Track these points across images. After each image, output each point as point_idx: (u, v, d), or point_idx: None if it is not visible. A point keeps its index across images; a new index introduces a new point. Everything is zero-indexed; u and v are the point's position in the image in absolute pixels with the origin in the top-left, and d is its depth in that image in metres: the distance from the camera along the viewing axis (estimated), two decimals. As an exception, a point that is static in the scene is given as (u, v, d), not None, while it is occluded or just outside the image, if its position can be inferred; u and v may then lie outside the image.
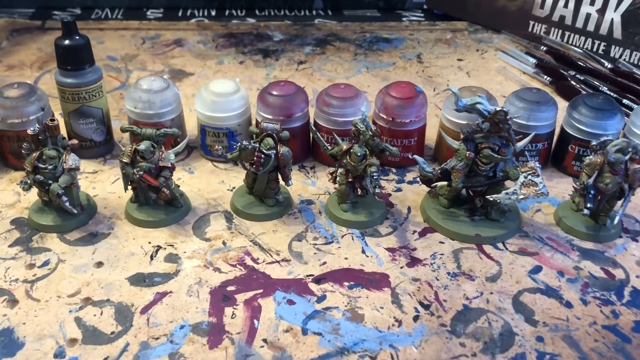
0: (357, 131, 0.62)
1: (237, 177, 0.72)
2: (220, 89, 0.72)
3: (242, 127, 0.73)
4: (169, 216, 0.64)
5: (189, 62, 1.00)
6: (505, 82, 0.96)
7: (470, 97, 0.60)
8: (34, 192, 0.64)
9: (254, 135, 0.63)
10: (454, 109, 0.61)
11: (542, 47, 1.03)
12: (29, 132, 0.60)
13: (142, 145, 0.61)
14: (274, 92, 0.71)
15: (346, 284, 0.57)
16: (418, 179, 0.71)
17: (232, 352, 0.50)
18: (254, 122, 0.75)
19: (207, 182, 0.71)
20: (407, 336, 0.52)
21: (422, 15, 1.23)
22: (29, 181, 0.61)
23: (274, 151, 0.62)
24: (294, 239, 0.62)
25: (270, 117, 0.71)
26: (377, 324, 0.53)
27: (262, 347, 0.50)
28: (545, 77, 0.94)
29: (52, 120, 0.60)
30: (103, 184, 0.70)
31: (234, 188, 0.70)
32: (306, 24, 1.15)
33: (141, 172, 0.61)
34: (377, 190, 0.59)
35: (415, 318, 0.53)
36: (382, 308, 0.54)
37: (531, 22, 1.07)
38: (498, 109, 0.58)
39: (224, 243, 0.62)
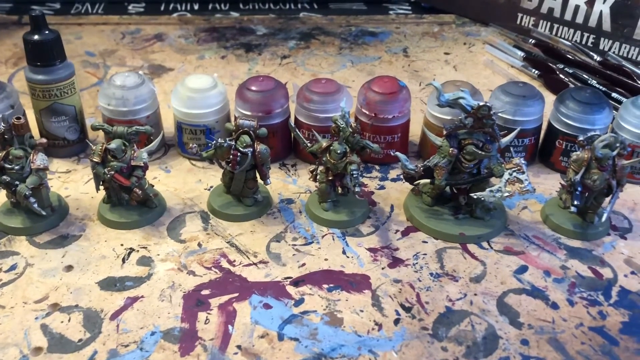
0: (337, 128, 0.60)
1: (215, 175, 0.69)
2: (197, 84, 0.69)
3: (219, 124, 0.71)
4: (142, 217, 0.62)
5: (169, 57, 0.97)
6: (492, 76, 0.94)
7: (453, 92, 0.58)
8: (1, 194, 0.61)
9: (231, 133, 0.61)
10: (436, 104, 0.58)
11: (530, 40, 1.01)
12: (-5, 131, 0.58)
13: (113, 144, 0.58)
14: (253, 88, 0.69)
15: (325, 286, 0.55)
16: (402, 177, 0.69)
17: (205, 359, 0.48)
18: (232, 118, 0.73)
19: (183, 181, 0.69)
20: (387, 340, 0.50)
21: (410, 8, 1.21)
22: (-5, 182, 0.58)
23: (251, 149, 0.60)
24: (272, 239, 0.60)
25: (249, 113, 0.69)
26: (356, 328, 0.51)
27: (236, 353, 0.48)
28: (534, 70, 0.92)
29: (19, 118, 0.57)
30: (76, 184, 0.68)
31: (211, 187, 0.67)
32: (291, 18, 1.13)
33: (112, 172, 0.58)
34: (357, 189, 0.57)
35: (396, 321, 0.51)
36: (361, 311, 0.52)
37: (519, 15, 1.05)
38: (481, 103, 0.56)
39: (199, 245, 0.59)
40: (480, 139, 0.59)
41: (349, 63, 0.97)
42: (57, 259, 0.57)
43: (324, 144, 0.61)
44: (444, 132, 0.59)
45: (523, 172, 0.57)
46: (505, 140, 0.60)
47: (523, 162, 0.58)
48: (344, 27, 1.10)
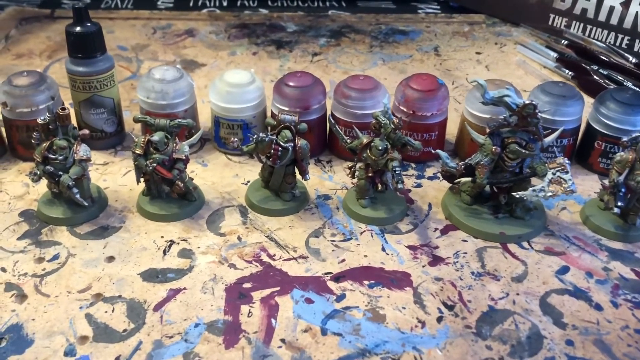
0: (378, 124, 0.60)
1: (251, 170, 0.70)
2: (235, 79, 0.69)
3: (257, 119, 0.71)
4: (182, 210, 0.62)
5: (201, 52, 0.98)
6: (525, 76, 0.93)
7: (498, 90, 0.57)
8: (43, 184, 0.62)
9: (270, 128, 0.61)
10: (480, 102, 0.58)
11: (562, 41, 1.00)
12: (39, 121, 0.58)
13: (156, 137, 0.58)
14: (291, 83, 0.69)
15: (366, 282, 0.55)
16: (439, 175, 0.69)
17: (249, 352, 0.48)
18: (269, 114, 0.73)
19: (220, 175, 0.69)
20: (431, 338, 0.49)
21: (438, 7, 1.20)
22: (38, 172, 0.59)
23: (292, 144, 0.60)
24: (311, 235, 0.60)
25: (286, 109, 0.69)
26: (399, 325, 0.50)
27: (280, 347, 0.48)
28: (567, 71, 0.92)
29: (63, 109, 0.58)
30: (114, 176, 0.68)
31: (248, 182, 0.68)
32: (320, 15, 1.13)
33: (154, 164, 0.59)
34: (399, 186, 0.57)
35: (439, 319, 0.51)
36: (404, 308, 0.52)
37: (551, 15, 1.04)
38: (527, 102, 0.56)
39: (239, 238, 0.59)
40: (524, 138, 0.58)
41: (380, 61, 0.96)
42: (99, 250, 0.57)
43: (365, 140, 0.60)
44: (487, 130, 0.59)
45: (567, 172, 0.57)
46: (548, 139, 0.59)
47: (567, 161, 0.57)
48: (374, 25, 1.10)
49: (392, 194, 0.64)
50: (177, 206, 0.62)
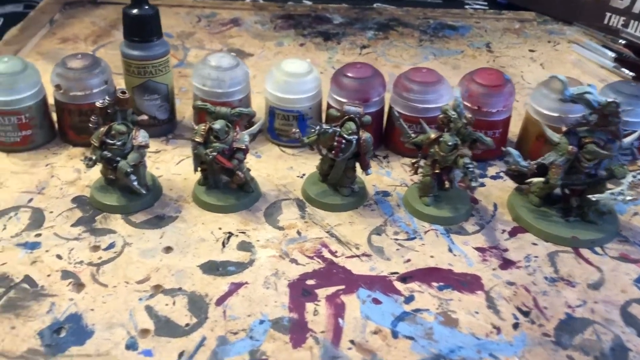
0: (447, 118, 0.57)
1: (305, 163, 0.67)
2: (293, 69, 0.67)
3: (313, 111, 0.68)
4: (239, 201, 0.60)
5: (248, 42, 0.96)
6: (582, 75, 0.90)
7: (578, 87, 0.54)
8: (94, 170, 0.60)
9: (331, 120, 0.59)
10: (559, 99, 0.55)
11: (620, 40, 0.97)
12: (98, 104, 0.56)
13: (217, 125, 0.56)
14: (350, 74, 0.67)
15: (435, 284, 0.52)
16: (502, 174, 0.66)
17: (318, 352, 0.46)
18: (324, 106, 0.71)
19: (275, 168, 0.67)
20: (508, 345, 0.47)
21: (486, 3, 1.17)
22: (94, 157, 0.57)
23: (356, 136, 0.57)
24: (372, 232, 0.58)
25: (344, 100, 0.66)
26: (473, 330, 0.48)
27: (350, 348, 0.46)
28: (627, 71, 0.88)
29: (124, 92, 0.56)
30: (167, 164, 0.66)
31: (304, 175, 0.65)
32: (365, 8, 1.10)
33: (215, 153, 0.57)
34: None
35: (515, 326, 0.48)
36: (477, 313, 0.49)
37: (608, 14, 1.01)
38: (610, 100, 0.53)
39: (298, 233, 0.57)
40: (602, 138, 0.55)
41: (432, 55, 0.94)
42: (155, 240, 0.56)
43: (433, 135, 0.58)
44: (563, 129, 0.56)
45: (649, 175, 0.54)
46: (627, 140, 0.56)
47: (648, 164, 0.54)
48: (421, 19, 1.07)
49: (456, 192, 0.61)
50: (234, 197, 0.60)
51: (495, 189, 0.64)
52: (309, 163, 0.67)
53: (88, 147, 0.61)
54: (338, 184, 0.61)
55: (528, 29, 1.05)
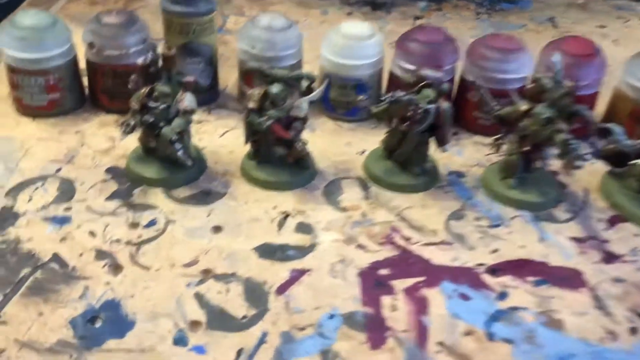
0: (539, 87, 0.49)
1: (364, 139, 0.60)
2: (354, 31, 0.60)
3: (373, 80, 0.61)
4: (294, 178, 0.52)
5: (290, 10, 0.88)
6: (660, 53, 0.81)
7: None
8: (130, 139, 0.53)
9: (404, 87, 0.51)
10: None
11: (698, 18, 0.88)
12: (139, 62, 0.49)
13: (275, 88, 0.49)
14: (419, 39, 0.59)
15: (530, 279, 0.44)
16: (591, 155, 0.58)
17: (401, 355, 0.38)
18: (385, 74, 0.63)
19: (330, 143, 0.59)
20: (627, 354, 0.39)
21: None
22: (133, 122, 0.50)
23: (434, 105, 0.50)
24: (450, 217, 0.50)
25: (412, 67, 0.58)
26: (583, 335, 0.40)
27: (440, 352, 0.39)
28: None
29: (170, 48, 0.49)
30: (210, 135, 0.59)
31: (364, 151, 0.58)
32: (415, -21, 1.02)
33: (270, 122, 0.49)
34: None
35: (633, 330, 0.41)
36: (585, 314, 0.42)
37: (683, -11, 0.92)
38: None
39: (363, 215, 0.50)
40: None
41: (492, 29, 0.85)
42: (202, 218, 0.48)
43: (524, 107, 0.50)
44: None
45: None
46: None
47: None
48: (476, -9, 0.98)
49: (540, 174, 0.53)
50: (289, 174, 0.53)
51: (584, 172, 0.56)
52: (368, 138, 0.59)
53: (122, 114, 0.54)
54: (407, 161, 0.54)
55: (594, 4, 0.96)
